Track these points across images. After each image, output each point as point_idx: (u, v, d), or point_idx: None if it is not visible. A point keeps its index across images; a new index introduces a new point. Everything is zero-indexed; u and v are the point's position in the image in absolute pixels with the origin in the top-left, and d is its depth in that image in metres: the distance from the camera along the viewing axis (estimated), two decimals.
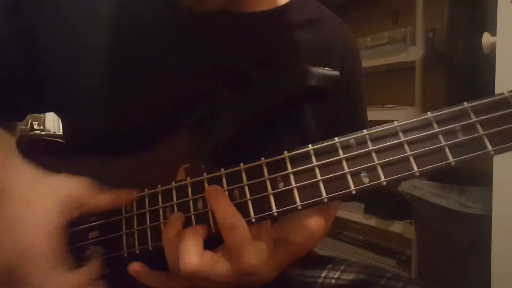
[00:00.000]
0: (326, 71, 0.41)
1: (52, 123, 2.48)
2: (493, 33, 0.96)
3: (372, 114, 1.43)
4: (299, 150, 0.36)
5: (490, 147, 0.31)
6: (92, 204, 0.38)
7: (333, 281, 0.49)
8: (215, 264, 0.33)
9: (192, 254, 0.33)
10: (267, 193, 0.35)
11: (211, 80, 0.45)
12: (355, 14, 1.86)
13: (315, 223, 0.51)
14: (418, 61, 1.50)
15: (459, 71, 1.40)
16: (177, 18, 0.45)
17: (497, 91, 0.91)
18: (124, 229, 0.40)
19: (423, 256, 1.43)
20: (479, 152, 0.31)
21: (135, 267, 0.37)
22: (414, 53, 1.48)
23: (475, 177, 1.15)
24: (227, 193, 0.36)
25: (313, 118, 0.51)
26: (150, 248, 0.38)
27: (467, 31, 1.32)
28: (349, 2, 1.82)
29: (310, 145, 0.35)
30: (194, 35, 0.46)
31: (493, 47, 0.97)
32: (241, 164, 0.37)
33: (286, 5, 0.50)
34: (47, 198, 0.36)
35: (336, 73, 0.42)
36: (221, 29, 0.46)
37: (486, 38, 0.97)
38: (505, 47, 0.94)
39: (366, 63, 1.60)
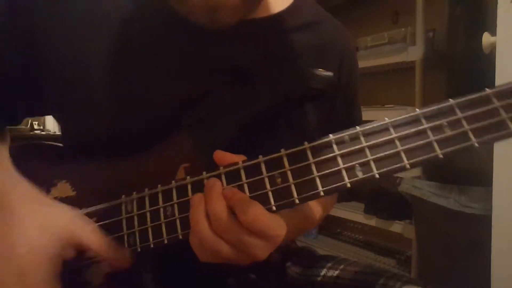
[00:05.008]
0: (320, 72, 0.42)
1: (52, 123, 2.48)
2: (493, 33, 0.96)
3: (372, 114, 1.44)
4: (295, 148, 0.37)
5: (474, 139, 0.33)
6: (84, 243, 0.38)
7: (332, 279, 0.49)
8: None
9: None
10: (265, 190, 0.36)
11: (213, 81, 0.46)
12: (355, 14, 1.87)
13: (313, 205, 0.54)
14: (418, 61, 1.50)
15: (459, 71, 1.40)
16: (180, 21, 0.45)
17: None
18: (125, 229, 0.40)
19: (423, 256, 1.43)
20: (464, 144, 0.33)
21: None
22: (414, 53, 1.48)
23: (475, 177, 1.15)
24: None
25: (313, 118, 0.51)
26: (152, 246, 0.39)
27: (467, 31, 1.32)
28: (349, 2, 1.83)
29: (306, 143, 0.37)
30: (196, 38, 0.46)
31: (493, 47, 0.97)
32: (240, 162, 0.37)
33: (285, 10, 0.51)
34: (45, 226, 0.37)
35: (329, 73, 0.42)
36: (223, 33, 0.46)
37: (486, 38, 0.98)
38: (505, 47, 0.94)
39: (366, 63, 1.61)
